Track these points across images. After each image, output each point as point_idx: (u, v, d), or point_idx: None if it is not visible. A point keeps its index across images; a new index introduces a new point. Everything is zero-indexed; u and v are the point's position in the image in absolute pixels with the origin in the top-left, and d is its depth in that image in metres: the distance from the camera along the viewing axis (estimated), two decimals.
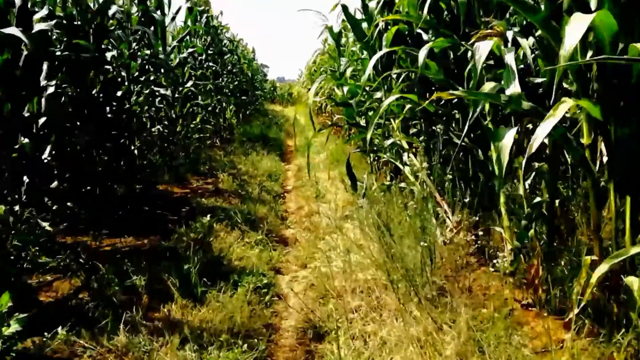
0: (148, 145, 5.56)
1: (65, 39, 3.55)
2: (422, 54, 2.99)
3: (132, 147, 4.97)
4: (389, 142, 3.47)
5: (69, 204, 3.66)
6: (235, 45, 11.88)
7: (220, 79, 9.51)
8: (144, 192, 4.92)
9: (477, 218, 3.29)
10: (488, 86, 2.37)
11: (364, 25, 4.22)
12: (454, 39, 2.81)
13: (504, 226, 2.92)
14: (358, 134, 4.40)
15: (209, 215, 3.74)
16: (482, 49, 2.28)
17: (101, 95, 4.04)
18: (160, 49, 4.42)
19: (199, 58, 8.04)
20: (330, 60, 9.65)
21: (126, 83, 4.51)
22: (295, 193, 5.95)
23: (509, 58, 2.32)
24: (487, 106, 2.92)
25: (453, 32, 3.06)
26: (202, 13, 8.56)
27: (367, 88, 4.26)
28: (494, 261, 2.48)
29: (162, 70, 5.74)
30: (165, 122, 5.99)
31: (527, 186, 2.74)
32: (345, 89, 4.52)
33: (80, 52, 3.59)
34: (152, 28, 4.74)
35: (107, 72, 4.08)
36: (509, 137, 2.21)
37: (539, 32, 2.65)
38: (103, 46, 4.17)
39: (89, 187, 4.00)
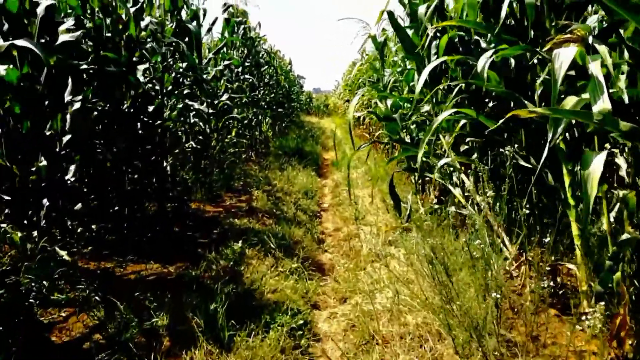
0: (181, 162, 5.36)
1: (93, 51, 3.35)
2: (483, 63, 2.63)
3: (165, 164, 4.78)
4: (441, 162, 3.09)
5: (93, 226, 3.45)
6: (272, 57, 11.73)
7: (257, 92, 9.34)
8: (176, 211, 4.70)
9: (543, 252, 2.87)
10: (570, 101, 1.98)
11: (410, 32, 3.87)
12: (522, 45, 2.43)
13: (579, 264, 2.50)
14: (402, 151, 4.04)
15: (240, 241, 3.45)
16: (563, 56, 1.90)
17: (132, 110, 3.85)
18: (196, 61, 4.21)
19: (236, 70, 7.87)
20: (370, 71, 9.33)
21: (159, 97, 4.32)
22: (332, 212, 5.62)
23: (594, 68, 1.93)
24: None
25: (517, 37, 2.68)
26: (239, 24, 8.42)
27: (411, 101, 3.90)
28: (583, 317, 2.06)
29: (197, 84, 5.56)
30: (200, 137, 5.80)
31: (612, 219, 2.31)
32: (389, 102, 4.18)
33: (109, 65, 3.39)
34: (186, 39, 4.59)
35: (139, 86, 3.88)
36: (599, 162, 1.82)
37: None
38: (135, 59, 3.98)
39: (116, 208, 3.79)
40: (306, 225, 4.71)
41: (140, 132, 4.07)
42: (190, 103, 4.64)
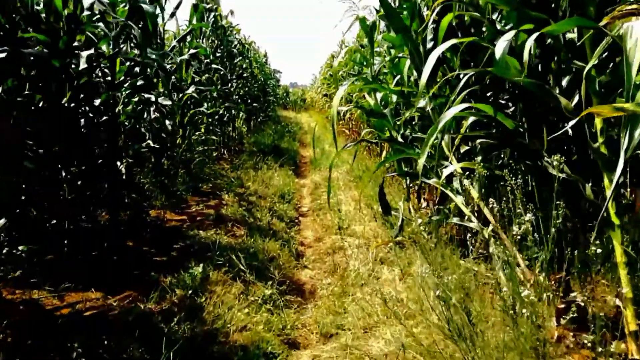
0: (140, 163, 4.71)
1: (8, 31, 2.70)
2: (502, 46, 2.11)
3: (119, 166, 4.14)
4: (448, 169, 2.56)
5: (21, 247, 2.81)
6: (246, 48, 11.06)
7: (229, 84, 8.68)
8: (131, 221, 4.07)
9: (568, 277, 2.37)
10: None
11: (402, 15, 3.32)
12: (576, 19, 1.90)
13: (624, 299, 2.00)
14: (394, 152, 3.50)
15: (202, 264, 2.86)
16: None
17: (72, 104, 3.20)
18: (146, 46, 3.58)
19: (205, 61, 7.21)
20: (351, 63, 8.77)
21: (109, 89, 3.67)
22: (312, 218, 5.05)
23: None
24: (598, 122, 2.00)
25: (544, 13, 2.16)
26: (209, 11, 7.75)
27: (405, 94, 3.36)
28: None
29: (158, 74, 4.92)
30: (163, 135, 5.15)
31: None
32: (379, 95, 3.63)
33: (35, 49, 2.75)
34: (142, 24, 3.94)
35: (81, 76, 3.23)
36: None
37: None
38: (77, 43, 3.34)
39: (53, 222, 3.15)
40: (283, 235, 4.14)
41: (83, 130, 3.43)
42: (147, 96, 4.01)
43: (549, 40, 2.37)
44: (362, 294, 2.77)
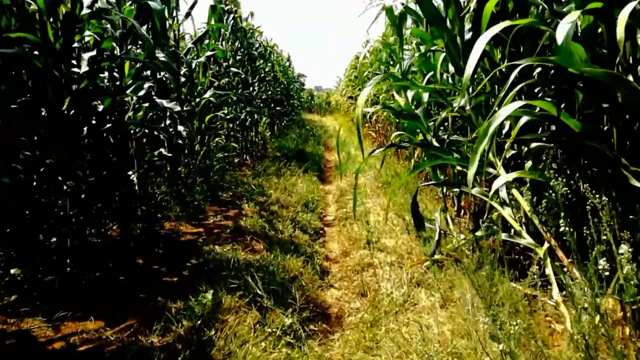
0: (155, 172, 4.44)
1: None
2: (565, 30, 1.71)
3: (130, 177, 3.87)
4: (500, 180, 2.15)
5: (13, 270, 2.53)
6: (268, 52, 10.79)
7: (251, 88, 8.41)
8: (145, 234, 3.79)
9: None
10: None
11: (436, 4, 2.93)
12: None
13: None
14: (429, 158, 3.11)
15: (211, 292, 2.52)
16: None
17: (72, 112, 2.93)
18: (152, 44, 3.29)
19: (224, 64, 6.94)
20: (376, 63, 8.38)
21: (115, 94, 3.39)
22: (337, 228, 4.68)
23: None
24: None
25: None
26: (229, 13, 7.49)
27: (440, 92, 2.96)
28: None
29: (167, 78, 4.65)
30: (179, 142, 4.87)
31: None
32: (410, 93, 3.24)
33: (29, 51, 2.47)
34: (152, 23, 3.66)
35: (81, 81, 2.96)
36: None
37: None
38: (78, 44, 3.07)
39: (54, 239, 2.87)
40: (306, 249, 3.78)
41: (88, 139, 3.17)
42: (158, 101, 3.72)
43: None
44: (397, 325, 2.38)
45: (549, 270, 2.45)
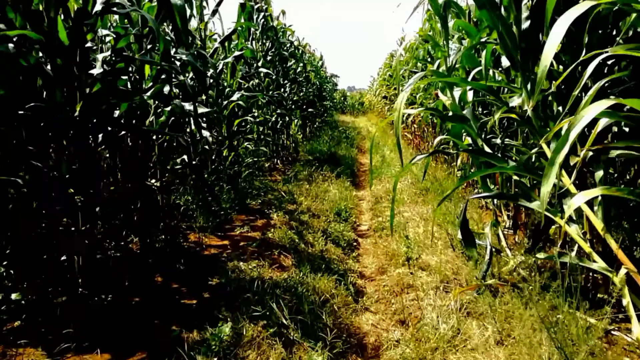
0: (180, 180, 4.20)
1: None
2: None
3: (152, 186, 3.65)
4: (579, 200, 1.75)
5: (14, 295, 2.30)
6: (300, 51, 10.51)
7: (282, 89, 8.14)
8: (167, 247, 3.56)
9: None
10: None
11: None
12: None
13: None
14: (479, 166, 2.72)
15: (229, 324, 2.21)
16: None
17: (83, 117, 2.69)
18: (171, 45, 3.04)
19: (255, 65, 6.68)
20: (413, 60, 7.96)
21: (134, 97, 3.15)
22: (372, 240, 4.32)
23: None
24: None
25: None
26: (259, 12, 7.24)
27: (494, 91, 2.56)
28: None
29: (198, 79, 4.42)
30: (205, 147, 4.63)
31: None
32: (457, 93, 2.86)
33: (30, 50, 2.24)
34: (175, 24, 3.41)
35: (94, 83, 2.72)
36: None
37: None
38: (90, 44, 2.83)
39: (63, 258, 2.64)
40: (339, 266, 3.45)
41: (102, 146, 2.94)
42: (182, 104, 3.46)
43: None
44: None
45: (627, 301, 2.04)
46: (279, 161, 7.99)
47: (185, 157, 3.65)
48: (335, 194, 5.69)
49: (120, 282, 2.86)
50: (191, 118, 3.88)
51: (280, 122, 8.28)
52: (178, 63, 3.59)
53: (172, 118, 3.62)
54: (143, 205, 3.42)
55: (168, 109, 3.57)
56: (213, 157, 4.97)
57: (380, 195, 5.86)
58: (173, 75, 3.46)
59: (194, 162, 3.60)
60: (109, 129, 2.93)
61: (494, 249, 2.83)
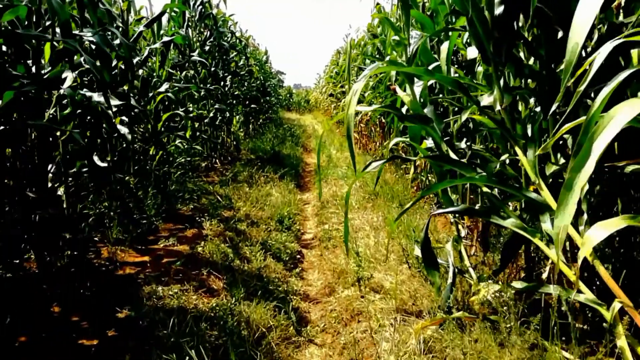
0: (96, 186, 3.57)
1: None
2: None
3: (57, 194, 3.03)
4: (596, 236, 1.35)
5: None
6: (243, 44, 9.90)
7: (222, 83, 7.53)
8: (75, 264, 2.95)
9: None
10: None
11: None
12: None
13: None
14: (442, 175, 2.34)
15: None
16: None
17: None
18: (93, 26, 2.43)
19: (191, 55, 6.04)
20: (361, 56, 7.60)
21: (22, 86, 2.52)
22: (318, 252, 3.88)
23: None
24: None
25: None
26: None
27: (463, 87, 2.18)
28: None
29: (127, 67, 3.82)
30: (124, 145, 4.00)
31: None
32: (418, 88, 2.45)
33: None
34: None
35: None
36: None
37: None
38: None
39: None
40: (279, 286, 2.98)
41: None
42: (89, 94, 2.85)
43: None
44: None
45: (620, 343, 1.70)
46: (217, 160, 7.39)
47: (96, 157, 3.03)
48: (277, 198, 5.20)
49: (2, 316, 2.25)
50: (105, 111, 3.27)
51: (220, 117, 7.68)
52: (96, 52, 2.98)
53: (79, 111, 3.00)
54: (43, 215, 2.81)
55: (72, 99, 2.96)
56: (138, 157, 4.34)
57: (326, 199, 5.44)
58: (83, 60, 2.85)
59: (103, 165, 2.99)
60: None
61: (456, 269, 2.45)
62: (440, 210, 2.16)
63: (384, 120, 7.21)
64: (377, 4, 6.93)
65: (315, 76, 32.23)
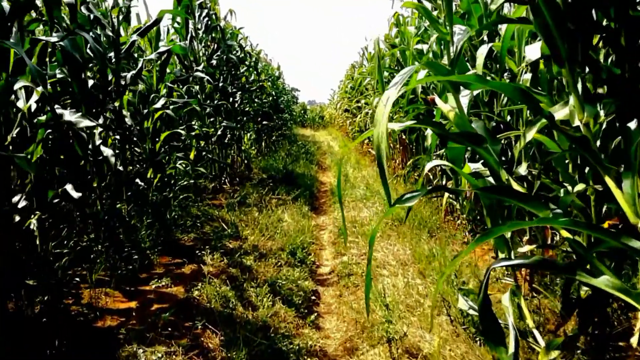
0: (83, 218, 3.09)
1: None
2: None
3: (27, 227, 2.56)
4: None
5: None
6: (254, 59, 9.49)
7: (231, 99, 7.09)
8: (48, 311, 2.47)
9: None
10: None
11: None
12: None
13: None
14: (500, 213, 1.80)
15: None
16: None
17: None
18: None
19: (196, 69, 5.61)
20: (376, 71, 7.09)
21: None
22: (337, 291, 3.32)
23: None
24: None
25: None
26: (202, 8, 6.21)
27: (530, 96, 1.65)
28: None
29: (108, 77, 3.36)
30: (119, 168, 3.53)
31: None
32: (464, 99, 1.93)
33: None
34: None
35: None
36: None
37: None
38: None
39: None
40: (289, 342, 2.43)
41: None
42: (59, 112, 2.37)
43: None
44: None
45: None
46: (226, 181, 6.90)
47: (69, 186, 2.53)
48: (290, 224, 4.67)
49: None
50: (83, 133, 2.80)
51: (229, 135, 7.23)
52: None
53: (49, 131, 2.52)
54: (8, 254, 2.34)
55: (43, 118, 2.49)
56: (133, 181, 3.86)
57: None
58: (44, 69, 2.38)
59: (77, 195, 2.49)
60: None
61: (517, 332, 1.88)
62: (502, 263, 1.60)
63: (404, 137, 6.67)
64: (395, 12, 6.46)
65: (329, 91, 31.94)
